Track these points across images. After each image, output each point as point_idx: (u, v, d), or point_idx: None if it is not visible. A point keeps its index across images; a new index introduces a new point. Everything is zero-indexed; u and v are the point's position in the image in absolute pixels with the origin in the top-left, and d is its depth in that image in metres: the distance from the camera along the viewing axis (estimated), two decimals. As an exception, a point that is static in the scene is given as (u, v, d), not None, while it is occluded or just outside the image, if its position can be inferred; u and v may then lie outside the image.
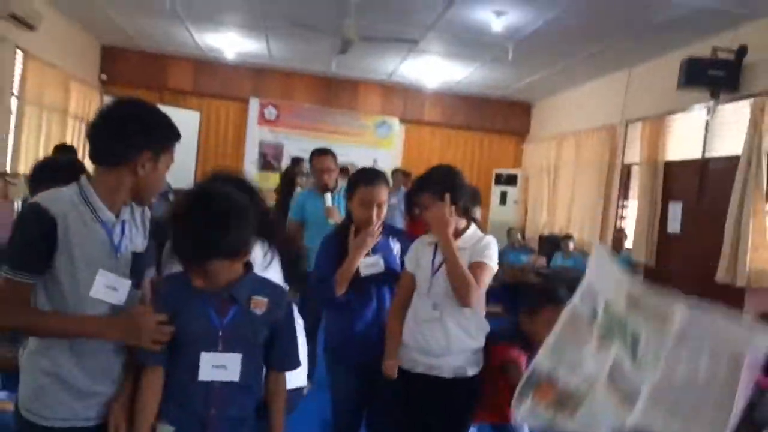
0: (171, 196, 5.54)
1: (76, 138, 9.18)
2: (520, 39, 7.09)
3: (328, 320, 2.65)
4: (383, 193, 2.45)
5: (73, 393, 1.58)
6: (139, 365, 1.61)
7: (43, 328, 1.56)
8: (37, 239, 1.52)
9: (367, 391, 2.38)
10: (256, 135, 10.55)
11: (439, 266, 2.19)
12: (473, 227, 2.33)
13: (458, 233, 2.25)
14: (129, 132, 1.61)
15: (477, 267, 2.21)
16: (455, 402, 2.22)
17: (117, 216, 1.64)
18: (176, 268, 1.66)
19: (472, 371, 2.24)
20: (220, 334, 1.56)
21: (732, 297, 5.73)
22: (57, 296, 1.56)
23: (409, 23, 7.05)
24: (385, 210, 2.47)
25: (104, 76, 10.19)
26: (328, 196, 4.00)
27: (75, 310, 1.56)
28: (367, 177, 2.49)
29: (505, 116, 11.42)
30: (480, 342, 2.26)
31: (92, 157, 1.67)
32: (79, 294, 1.57)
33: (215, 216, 1.52)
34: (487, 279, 2.24)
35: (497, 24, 6.45)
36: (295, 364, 1.75)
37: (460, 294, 2.14)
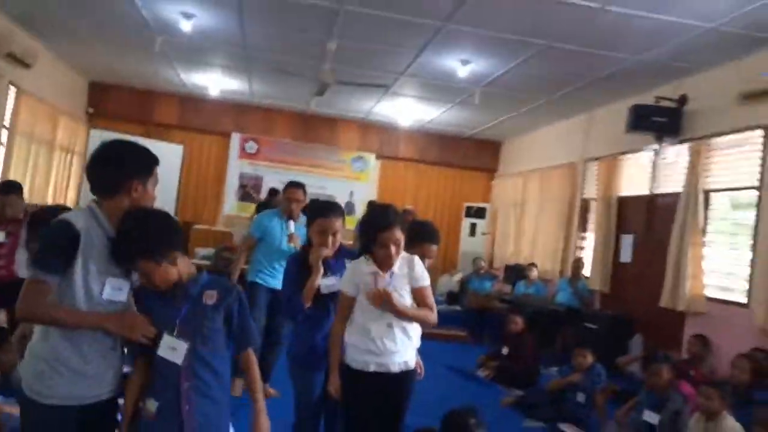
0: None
1: (63, 168, 9.54)
2: (485, 85, 7.72)
3: (294, 331, 3.08)
4: (337, 224, 2.91)
5: (69, 375, 1.94)
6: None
7: (62, 320, 1.94)
8: (65, 247, 1.92)
9: (325, 390, 2.79)
10: (236, 167, 11.00)
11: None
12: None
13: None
14: (118, 168, 2.05)
15: (423, 292, 2.70)
16: (402, 390, 2.68)
17: None
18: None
19: (413, 364, 2.72)
20: (177, 323, 1.99)
21: (674, 320, 6.28)
22: (68, 294, 1.94)
23: (383, 69, 7.64)
24: (339, 238, 2.93)
25: (91, 110, 10.59)
26: (292, 224, 4.61)
27: (85, 307, 1.96)
28: (324, 209, 2.96)
29: (475, 153, 12.05)
30: (418, 342, 2.73)
31: (94, 191, 2.09)
32: (90, 293, 1.96)
33: (129, 226, 1.98)
34: (431, 295, 2.74)
35: (463, 71, 7.06)
36: (252, 341, 2.15)
37: (426, 326, 2.71)
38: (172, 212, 9.74)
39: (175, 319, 1.99)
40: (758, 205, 5.56)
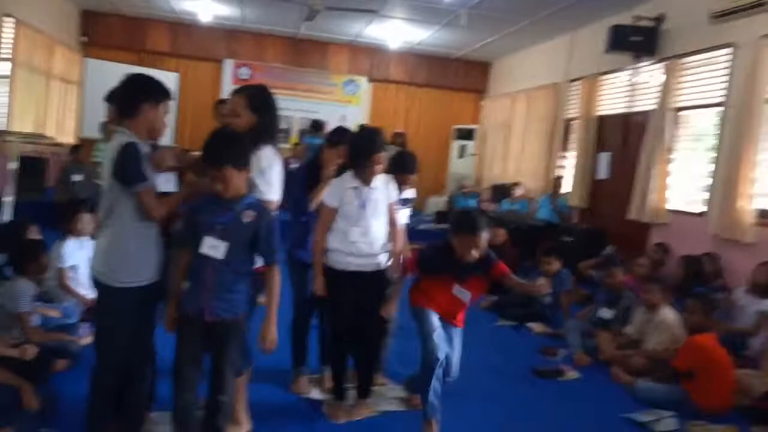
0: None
1: (61, 98, 9.80)
2: (471, 6, 7.87)
3: (294, 232, 3.53)
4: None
5: (134, 263, 2.42)
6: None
7: (175, 205, 2.50)
8: (141, 159, 2.39)
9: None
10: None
11: (366, 203, 3.07)
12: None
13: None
14: (136, 93, 2.46)
15: (392, 206, 3.20)
16: (378, 285, 3.18)
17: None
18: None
19: (384, 264, 3.21)
20: (216, 227, 2.41)
21: (641, 231, 6.78)
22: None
23: (370, -8, 7.78)
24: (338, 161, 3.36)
25: (84, 39, 10.70)
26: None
27: None
28: (343, 140, 3.34)
29: (465, 75, 12.22)
30: (387, 244, 3.21)
31: (120, 114, 2.48)
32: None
33: (226, 136, 2.42)
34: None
35: (448, -7, 7.22)
36: (273, 258, 2.55)
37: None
38: (170, 139, 10.08)
39: (216, 225, 2.41)
40: (722, 120, 5.90)
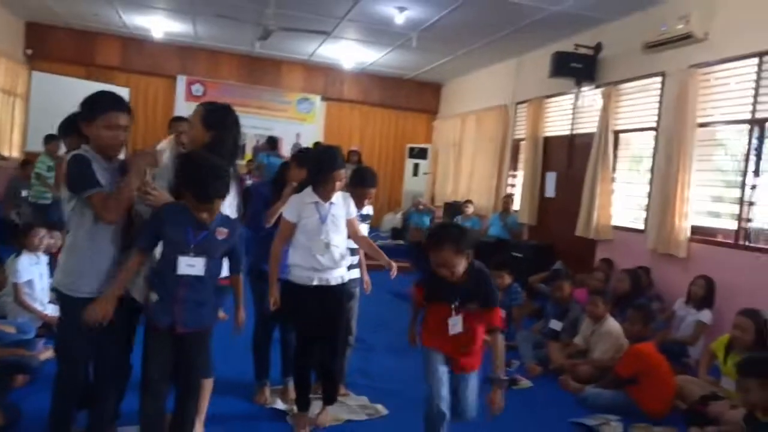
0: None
1: (6, 111, 9.53)
2: (422, 30, 8.16)
3: (255, 246, 3.60)
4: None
5: (89, 272, 2.42)
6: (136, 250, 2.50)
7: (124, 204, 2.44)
8: (87, 167, 2.38)
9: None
10: (184, 110, 11.10)
11: (326, 218, 3.15)
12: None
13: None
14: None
15: (353, 221, 3.31)
16: (341, 299, 3.28)
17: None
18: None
19: (347, 277, 3.32)
20: (192, 246, 2.46)
21: (587, 246, 7.12)
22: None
23: (324, 14, 7.96)
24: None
25: (29, 51, 10.45)
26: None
27: None
28: (304, 161, 3.45)
29: (417, 95, 12.54)
30: (349, 258, 3.35)
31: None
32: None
33: (215, 169, 2.43)
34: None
35: (400, 17, 7.49)
36: (241, 268, 2.69)
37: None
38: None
39: (191, 244, 2.46)
40: (657, 143, 6.32)
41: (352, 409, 3.52)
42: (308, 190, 3.20)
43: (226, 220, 2.58)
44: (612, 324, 4.49)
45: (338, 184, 3.17)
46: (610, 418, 3.71)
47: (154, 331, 2.51)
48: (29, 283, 4.08)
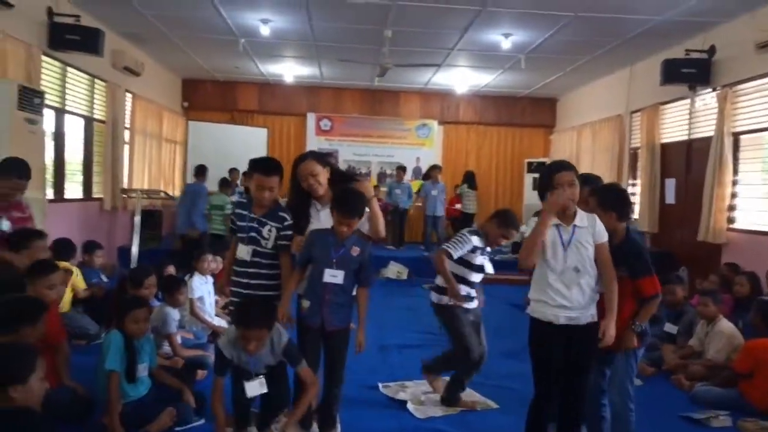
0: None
1: (169, 157, 11.14)
2: (529, 52, 8.52)
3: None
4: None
5: None
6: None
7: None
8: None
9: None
10: (315, 144, 12.26)
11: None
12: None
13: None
14: None
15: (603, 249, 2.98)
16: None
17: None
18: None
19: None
20: (334, 260, 3.07)
21: (711, 251, 7.00)
22: None
23: (435, 46, 8.60)
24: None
25: (186, 104, 12.12)
26: None
27: None
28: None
29: (532, 111, 12.77)
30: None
31: None
32: None
33: (355, 194, 3.07)
34: None
35: (506, 43, 7.92)
36: (370, 283, 3.23)
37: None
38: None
39: (333, 258, 3.06)
40: (777, 143, 6.18)
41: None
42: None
43: (358, 240, 3.15)
44: (725, 324, 4.56)
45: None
46: (719, 412, 3.84)
47: (306, 329, 3.16)
48: (201, 299, 5.00)
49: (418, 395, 4.04)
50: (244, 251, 3.25)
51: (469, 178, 11.26)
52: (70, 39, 6.75)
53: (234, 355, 2.98)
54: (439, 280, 3.87)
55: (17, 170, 4.13)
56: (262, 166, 3.23)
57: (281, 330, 3.07)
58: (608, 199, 3.00)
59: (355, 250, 3.11)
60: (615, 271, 2.88)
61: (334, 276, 3.07)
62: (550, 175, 2.86)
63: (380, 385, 4.22)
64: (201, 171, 8.54)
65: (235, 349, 2.97)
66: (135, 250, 7.94)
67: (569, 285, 2.84)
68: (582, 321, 2.86)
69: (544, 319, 2.86)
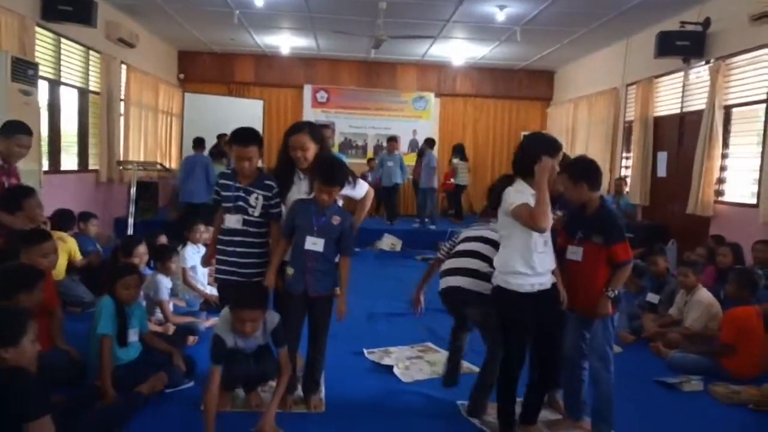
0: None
1: (165, 129, 11.17)
2: (524, 24, 8.49)
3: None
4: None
5: None
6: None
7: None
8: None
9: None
10: (311, 116, 12.25)
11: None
12: None
13: None
14: None
15: None
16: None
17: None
18: None
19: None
20: (315, 228, 3.16)
21: (700, 224, 7.09)
22: None
23: (429, 18, 8.58)
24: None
25: (182, 76, 12.11)
26: None
27: None
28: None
29: (529, 83, 12.75)
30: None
31: None
32: None
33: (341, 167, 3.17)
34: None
35: (501, 15, 7.90)
36: (351, 253, 3.31)
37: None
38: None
39: (314, 226, 3.16)
40: (766, 117, 6.21)
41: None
42: None
43: (339, 210, 3.25)
44: (704, 293, 4.67)
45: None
46: (691, 377, 3.97)
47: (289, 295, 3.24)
48: (193, 268, 5.11)
49: (403, 360, 4.17)
50: (233, 220, 3.32)
51: (460, 151, 11.27)
52: (62, 10, 6.77)
53: (230, 339, 3.05)
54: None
55: (22, 128, 4.23)
56: (239, 137, 3.27)
57: (273, 312, 3.18)
58: (577, 171, 3.07)
59: (336, 219, 3.20)
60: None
61: (314, 243, 3.15)
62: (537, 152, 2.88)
63: (365, 351, 4.35)
64: (199, 143, 8.59)
65: (231, 334, 3.04)
66: (131, 221, 8.03)
67: (550, 251, 2.96)
68: (548, 285, 2.97)
69: (522, 290, 2.89)
